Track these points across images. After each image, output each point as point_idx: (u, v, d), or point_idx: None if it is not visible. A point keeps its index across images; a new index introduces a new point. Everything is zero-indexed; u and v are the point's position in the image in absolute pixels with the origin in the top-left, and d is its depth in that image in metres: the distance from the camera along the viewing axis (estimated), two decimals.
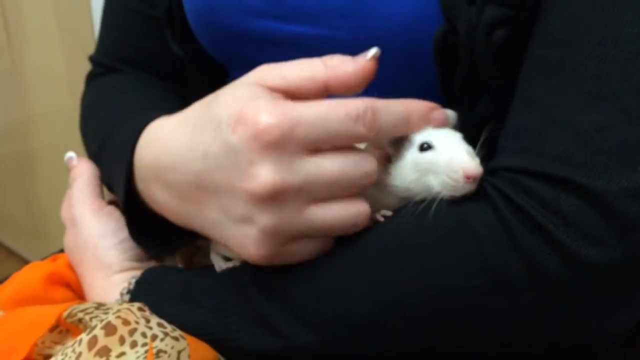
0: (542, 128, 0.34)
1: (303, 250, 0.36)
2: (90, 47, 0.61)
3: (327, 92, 0.36)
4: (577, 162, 0.32)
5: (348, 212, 0.35)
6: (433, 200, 0.36)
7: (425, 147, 0.36)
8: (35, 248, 1.58)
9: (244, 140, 0.33)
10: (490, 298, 0.33)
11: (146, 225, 0.43)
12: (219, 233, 0.37)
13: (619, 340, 0.44)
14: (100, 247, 0.46)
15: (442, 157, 0.36)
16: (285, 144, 0.33)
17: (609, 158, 0.32)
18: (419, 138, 0.37)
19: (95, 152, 0.51)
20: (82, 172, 0.51)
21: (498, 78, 0.38)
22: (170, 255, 0.46)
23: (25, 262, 1.63)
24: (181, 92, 0.57)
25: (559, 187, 0.32)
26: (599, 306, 0.34)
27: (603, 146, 0.32)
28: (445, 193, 0.35)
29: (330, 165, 0.34)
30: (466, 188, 0.35)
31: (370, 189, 0.36)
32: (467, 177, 0.35)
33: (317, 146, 0.34)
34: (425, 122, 0.37)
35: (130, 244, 0.45)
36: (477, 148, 0.37)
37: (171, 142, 0.38)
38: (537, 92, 0.35)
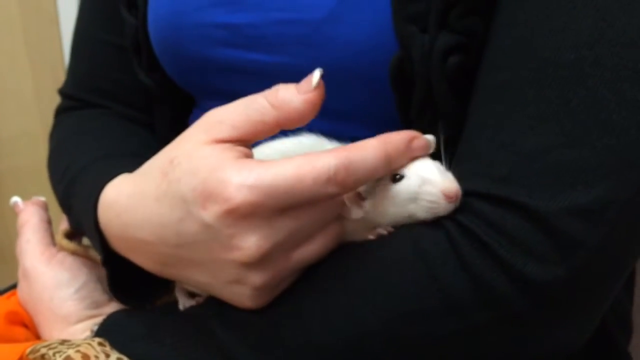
0: (489, 151, 0.36)
1: (289, 281, 0.37)
2: (60, 70, 0.60)
3: (279, 129, 0.36)
4: (520, 183, 0.34)
5: (326, 241, 0.37)
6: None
7: (398, 178, 0.36)
8: (1, 273, 1.55)
9: (218, 217, 0.33)
10: (444, 319, 0.34)
11: (126, 277, 0.42)
12: (210, 291, 0.37)
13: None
14: (56, 299, 0.45)
15: (416, 183, 0.35)
16: (260, 213, 0.33)
17: (549, 179, 0.33)
18: None
19: (62, 199, 0.49)
20: (29, 218, 0.49)
21: (453, 103, 0.39)
22: (148, 304, 0.44)
23: None
24: (152, 124, 0.57)
25: (504, 207, 0.34)
26: (548, 323, 0.35)
27: (544, 167, 0.34)
28: (430, 216, 0.35)
29: (306, 215, 0.35)
30: (449, 207, 0.34)
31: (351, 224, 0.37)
32: (448, 197, 0.34)
33: (291, 207, 0.34)
34: (407, 156, 0.35)
35: (86, 292, 0.44)
36: (445, 164, 0.37)
37: (134, 215, 0.37)
38: (485, 116, 0.37)
